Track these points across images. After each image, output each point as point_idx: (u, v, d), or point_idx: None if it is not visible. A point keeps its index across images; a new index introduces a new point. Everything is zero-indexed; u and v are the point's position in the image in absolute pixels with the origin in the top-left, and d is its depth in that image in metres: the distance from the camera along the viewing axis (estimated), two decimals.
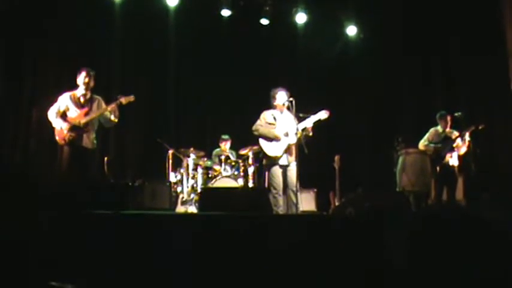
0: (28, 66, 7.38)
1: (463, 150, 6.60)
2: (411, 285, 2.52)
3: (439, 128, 6.81)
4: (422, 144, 6.80)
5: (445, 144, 6.63)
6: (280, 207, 5.49)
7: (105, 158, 7.11)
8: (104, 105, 5.61)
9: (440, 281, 2.46)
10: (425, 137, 6.84)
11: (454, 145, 6.59)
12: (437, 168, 6.54)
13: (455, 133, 6.68)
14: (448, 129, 6.75)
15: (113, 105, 5.53)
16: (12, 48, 7.13)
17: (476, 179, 6.73)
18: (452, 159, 6.57)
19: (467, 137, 6.57)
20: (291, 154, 5.60)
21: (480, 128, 6.56)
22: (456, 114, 6.72)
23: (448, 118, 6.78)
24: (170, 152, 7.30)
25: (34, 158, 7.11)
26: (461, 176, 6.87)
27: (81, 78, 5.53)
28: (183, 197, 7.09)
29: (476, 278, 2.47)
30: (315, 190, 7.64)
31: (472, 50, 7.96)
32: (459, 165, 6.63)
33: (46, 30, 7.42)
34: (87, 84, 5.53)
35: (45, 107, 5.78)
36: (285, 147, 5.57)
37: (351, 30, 9.04)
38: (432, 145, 6.68)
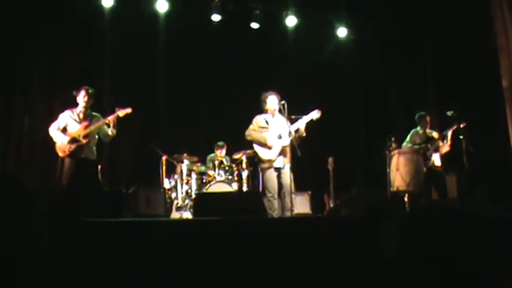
0: (20, 75, 7.33)
1: (445, 149, 6.62)
2: (407, 283, 2.53)
3: (419, 129, 6.82)
4: (405, 146, 6.76)
5: (430, 144, 6.63)
6: (275, 211, 5.47)
7: (99, 166, 7.08)
8: (102, 119, 5.79)
9: (435, 279, 2.47)
10: (407, 139, 6.83)
11: (440, 145, 6.62)
12: (424, 169, 6.54)
13: (435, 133, 6.71)
14: (427, 130, 6.76)
15: (111, 117, 5.71)
16: (4, 55, 7.09)
17: (469, 177, 6.73)
18: (436, 160, 6.57)
19: (449, 136, 6.58)
20: (285, 156, 5.60)
21: (462, 126, 6.51)
22: (448, 112, 6.69)
23: (428, 118, 6.79)
24: (164, 158, 7.29)
25: (26, 166, 7.07)
26: (451, 174, 6.89)
27: (81, 97, 5.78)
28: (177, 203, 7.08)
29: (471, 275, 2.48)
30: (310, 192, 7.64)
31: (464, 47, 7.99)
32: (443, 165, 6.64)
33: (39, 38, 7.39)
34: (86, 102, 5.78)
35: (37, 115, 5.80)
36: (279, 149, 5.57)
37: (342, 32, 9.07)
38: (417, 146, 6.67)
